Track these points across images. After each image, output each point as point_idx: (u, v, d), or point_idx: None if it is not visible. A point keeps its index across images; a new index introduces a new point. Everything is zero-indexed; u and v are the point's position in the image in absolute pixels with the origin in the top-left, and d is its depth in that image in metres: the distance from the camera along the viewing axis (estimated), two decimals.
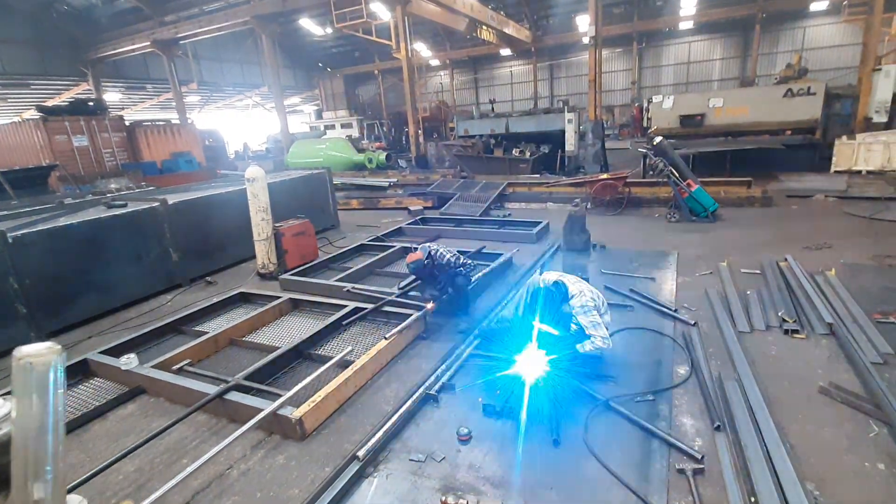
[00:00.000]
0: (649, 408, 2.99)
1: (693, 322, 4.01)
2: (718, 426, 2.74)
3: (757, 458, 2.47)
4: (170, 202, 6.07)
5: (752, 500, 2.25)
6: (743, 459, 2.48)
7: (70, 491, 2.44)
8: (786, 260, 5.25)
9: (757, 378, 3.16)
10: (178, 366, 3.77)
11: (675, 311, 4.25)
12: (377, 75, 32.41)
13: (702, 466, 2.45)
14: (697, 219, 7.40)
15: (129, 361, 3.69)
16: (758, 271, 5.13)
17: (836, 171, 10.18)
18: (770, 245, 5.96)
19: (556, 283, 3.47)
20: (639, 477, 2.45)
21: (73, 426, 3.25)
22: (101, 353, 4.00)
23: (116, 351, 4.10)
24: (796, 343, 3.64)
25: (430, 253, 4.17)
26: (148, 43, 19.25)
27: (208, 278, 6.40)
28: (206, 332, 4.34)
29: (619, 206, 8.41)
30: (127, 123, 16.28)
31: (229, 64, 27.94)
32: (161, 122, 17.99)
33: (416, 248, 4.24)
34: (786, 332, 3.77)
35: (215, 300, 5.25)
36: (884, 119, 10.34)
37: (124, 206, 5.90)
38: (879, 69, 10.29)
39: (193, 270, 6.39)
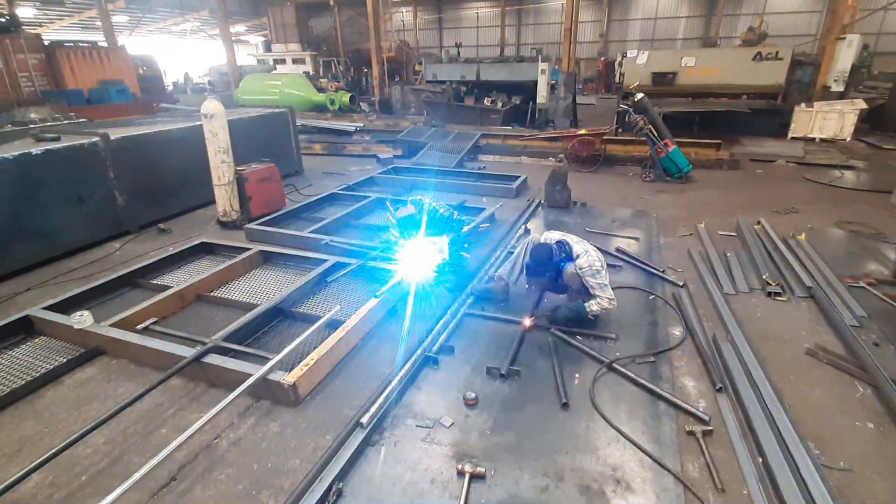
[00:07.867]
0: (651, 369, 3.01)
1: (682, 283, 4.06)
2: (720, 387, 2.79)
3: (759, 419, 2.53)
4: (112, 137, 5.34)
5: (761, 460, 2.32)
6: (747, 420, 2.55)
7: (33, 471, 2.14)
8: (759, 223, 5.42)
9: (748, 339, 3.24)
10: (143, 325, 3.38)
11: (663, 271, 4.28)
12: (333, 6, 29.76)
13: (710, 428, 2.49)
14: (671, 179, 7.48)
15: (82, 319, 3.25)
16: (734, 234, 5.27)
17: (792, 138, 10.58)
18: (742, 208, 6.12)
19: (559, 241, 3.35)
20: (650, 439, 2.46)
21: (22, 393, 2.85)
22: (46, 308, 3.52)
23: (64, 306, 3.63)
24: (779, 305, 3.78)
25: (422, 207, 3.90)
26: None
27: (161, 225, 5.79)
28: (170, 287, 3.92)
29: (595, 163, 8.35)
30: (45, 43, 14.08)
31: None
32: (86, 45, 15.69)
33: (407, 203, 3.96)
34: (768, 294, 3.90)
35: (173, 250, 4.76)
36: (841, 88, 10.71)
37: (57, 139, 5.10)
38: (843, 38, 10.53)
39: (143, 216, 5.76)
